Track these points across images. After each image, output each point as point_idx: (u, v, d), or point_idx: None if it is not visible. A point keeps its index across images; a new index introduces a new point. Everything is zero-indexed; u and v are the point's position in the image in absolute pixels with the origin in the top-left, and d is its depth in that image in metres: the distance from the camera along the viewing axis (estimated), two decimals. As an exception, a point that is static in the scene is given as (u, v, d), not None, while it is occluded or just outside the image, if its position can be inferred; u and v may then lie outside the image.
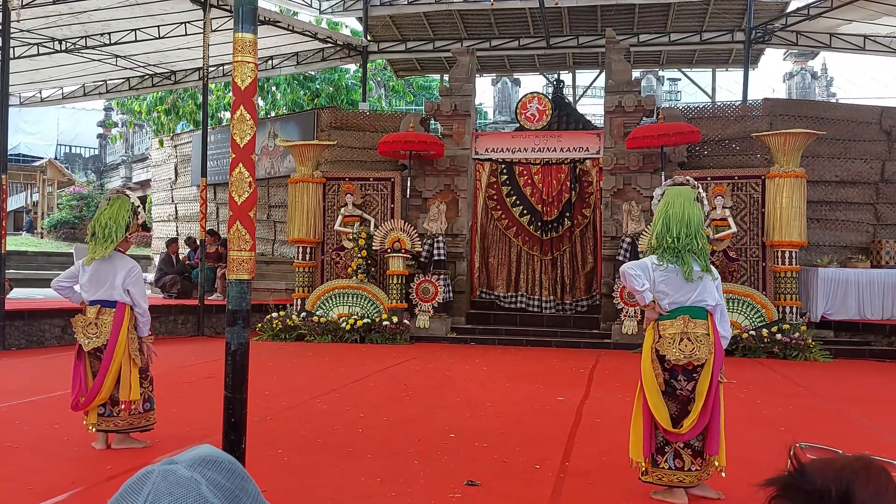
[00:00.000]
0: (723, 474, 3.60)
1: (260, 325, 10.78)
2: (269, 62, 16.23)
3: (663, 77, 30.61)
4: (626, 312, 10.17)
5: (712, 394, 3.57)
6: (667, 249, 3.69)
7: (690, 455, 3.61)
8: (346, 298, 10.99)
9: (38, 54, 14.56)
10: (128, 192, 4.71)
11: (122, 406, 4.42)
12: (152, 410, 4.59)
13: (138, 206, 4.61)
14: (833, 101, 26.07)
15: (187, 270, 13.61)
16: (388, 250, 10.72)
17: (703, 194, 3.92)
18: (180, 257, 13.89)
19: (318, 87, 20.41)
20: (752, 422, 5.45)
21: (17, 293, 12.09)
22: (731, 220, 10.07)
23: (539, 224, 11.84)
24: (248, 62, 3.27)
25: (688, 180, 3.93)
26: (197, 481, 0.76)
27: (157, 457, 4.08)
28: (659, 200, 3.89)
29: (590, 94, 22.04)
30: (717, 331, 3.66)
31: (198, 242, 12.66)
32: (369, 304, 10.90)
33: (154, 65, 16.00)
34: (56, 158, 32.66)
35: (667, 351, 3.62)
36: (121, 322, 4.43)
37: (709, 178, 10.58)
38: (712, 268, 3.77)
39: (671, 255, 3.68)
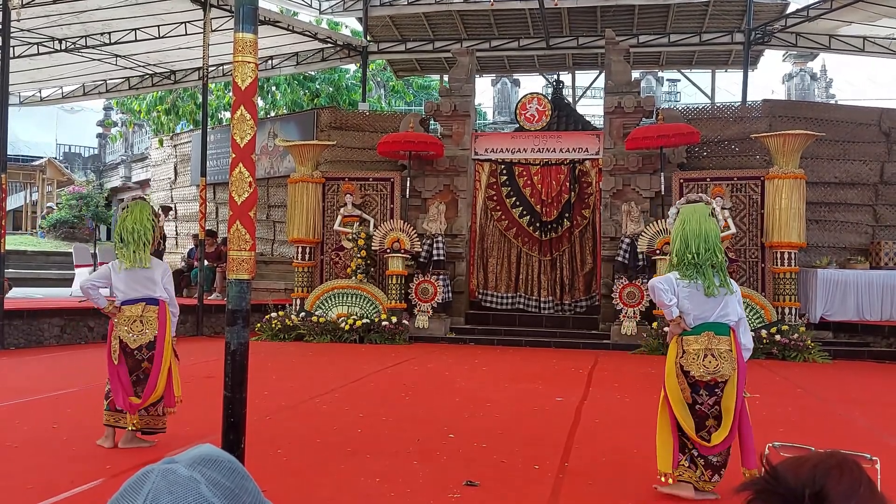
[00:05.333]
0: None
1: (259, 324, 10.77)
2: (269, 62, 16.22)
3: (663, 78, 30.61)
4: (626, 313, 10.18)
5: (738, 409, 3.63)
6: (688, 265, 3.73)
7: (703, 465, 3.67)
8: (345, 298, 10.99)
9: (38, 53, 14.55)
10: (145, 197, 4.79)
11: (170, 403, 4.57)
12: (166, 415, 4.63)
13: (158, 210, 4.76)
14: (832, 102, 26.08)
15: (185, 268, 13.65)
16: (388, 250, 10.72)
17: (718, 209, 3.95)
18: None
19: (318, 87, 20.40)
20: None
21: (16, 292, 12.10)
22: (730, 222, 10.06)
23: (538, 224, 11.84)
24: (249, 62, 3.27)
25: (700, 197, 3.97)
26: (197, 480, 0.76)
27: (157, 456, 4.08)
28: (674, 219, 3.94)
29: (589, 94, 22.05)
30: (739, 347, 3.71)
31: (197, 242, 12.66)
32: (368, 304, 10.90)
33: (154, 64, 15.99)
34: (55, 158, 32.64)
35: (691, 367, 3.68)
36: (165, 318, 4.57)
37: (708, 180, 10.59)
38: (731, 281, 3.80)
39: (692, 270, 3.72)
